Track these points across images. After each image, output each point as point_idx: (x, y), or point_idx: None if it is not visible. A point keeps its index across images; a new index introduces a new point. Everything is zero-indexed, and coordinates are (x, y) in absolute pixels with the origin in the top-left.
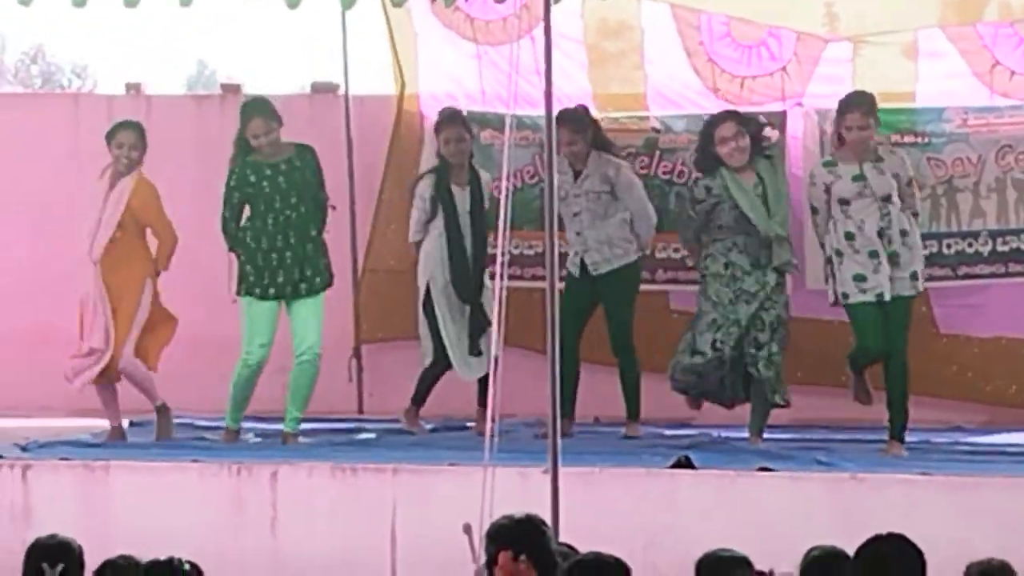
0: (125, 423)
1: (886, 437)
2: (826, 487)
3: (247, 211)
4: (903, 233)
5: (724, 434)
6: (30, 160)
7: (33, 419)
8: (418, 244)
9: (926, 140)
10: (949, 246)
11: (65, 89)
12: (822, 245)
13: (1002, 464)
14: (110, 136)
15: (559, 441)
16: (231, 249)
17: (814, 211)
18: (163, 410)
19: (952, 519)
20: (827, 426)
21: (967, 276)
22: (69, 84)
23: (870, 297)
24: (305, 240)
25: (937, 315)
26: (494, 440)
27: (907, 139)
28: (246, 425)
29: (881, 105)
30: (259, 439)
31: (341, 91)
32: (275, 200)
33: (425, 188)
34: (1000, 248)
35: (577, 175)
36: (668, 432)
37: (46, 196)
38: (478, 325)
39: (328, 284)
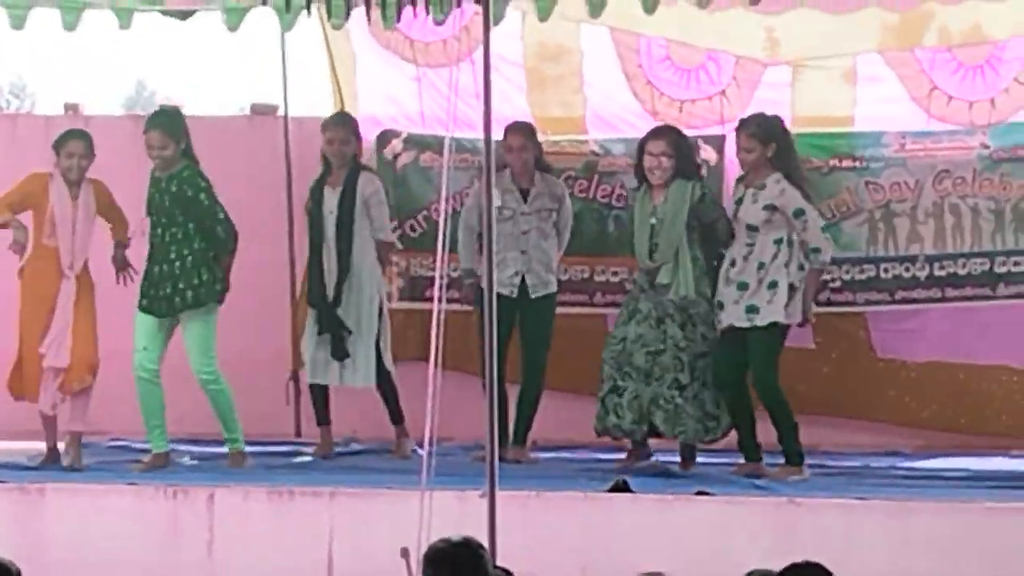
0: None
1: (824, 462)
2: (764, 511)
3: None
4: (759, 266)
5: (661, 458)
6: None
7: None
8: None
9: (864, 164)
10: (886, 270)
11: (3, 110)
12: None
13: (939, 489)
14: (59, 145)
15: (496, 465)
16: None
17: None
18: (76, 438)
19: (889, 544)
20: (764, 451)
21: (904, 300)
22: (7, 105)
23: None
24: (183, 257)
25: (874, 339)
26: (431, 464)
27: (845, 163)
28: (181, 448)
29: (820, 129)
30: (195, 462)
31: (280, 112)
32: (157, 215)
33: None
34: (937, 273)
35: (524, 193)
36: (605, 456)
37: None
38: (334, 330)
39: (205, 301)
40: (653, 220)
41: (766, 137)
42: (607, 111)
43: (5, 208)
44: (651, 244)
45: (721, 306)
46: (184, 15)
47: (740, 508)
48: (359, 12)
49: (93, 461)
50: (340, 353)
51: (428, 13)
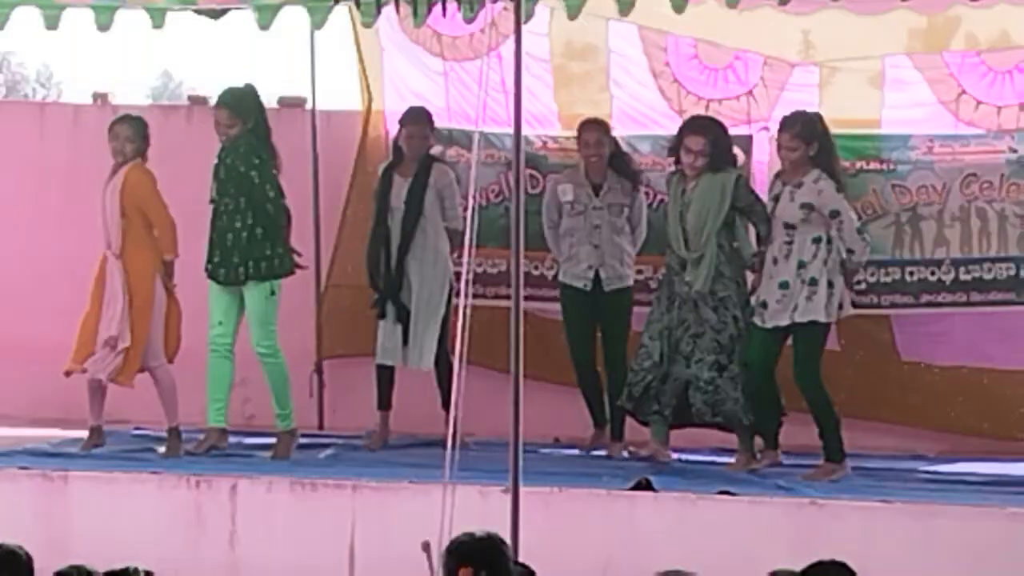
0: (81, 433)
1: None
2: (786, 512)
3: None
4: (800, 264)
5: (685, 457)
6: None
7: None
8: None
9: (891, 167)
10: (912, 274)
11: (30, 98)
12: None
13: (961, 493)
14: (110, 130)
15: (520, 460)
16: None
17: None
18: (175, 432)
19: (910, 546)
20: (787, 451)
21: (929, 304)
22: (34, 93)
23: (758, 320)
24: (249, 229)
25: (899, 342)
26: (454, 458)
27: (872, 165)
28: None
29: (847, 131)
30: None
31: (308, 106)
32: (219, 187)
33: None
34: (963, 277)
35: (596, 188)
36: (628, 454)
37: (10, 204)
38: (397, 314)
39: (268, 276)
40: (682, 209)
41: (809, 136)
42: (633, 109)
43: None
44: (684, 233)
45: (764, 304)
46: (216, 14)
47: (762, 508)
48: (389, 9)
49: (117, 449)
50: (406, 336)
51: (459, 10)
